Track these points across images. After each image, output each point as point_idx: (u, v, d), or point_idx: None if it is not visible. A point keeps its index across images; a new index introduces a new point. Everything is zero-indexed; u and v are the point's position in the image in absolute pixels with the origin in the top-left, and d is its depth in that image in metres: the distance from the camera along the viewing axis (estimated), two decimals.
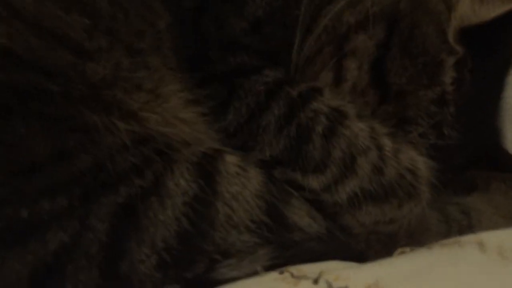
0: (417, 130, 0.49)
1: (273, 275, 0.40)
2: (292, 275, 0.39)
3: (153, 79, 0.44)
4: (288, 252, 0.43)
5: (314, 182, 0.46)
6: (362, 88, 0.49)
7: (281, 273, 0.40)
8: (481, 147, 0.57)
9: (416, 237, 0.52)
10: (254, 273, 0.41)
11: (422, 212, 0.50)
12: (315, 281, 0.38)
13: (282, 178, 0.47)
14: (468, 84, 0.50)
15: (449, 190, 0.56)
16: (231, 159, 0.45)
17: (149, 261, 0.39)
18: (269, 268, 0.41)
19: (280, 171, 0.47)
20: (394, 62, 0.49)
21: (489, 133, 0.58)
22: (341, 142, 0.47)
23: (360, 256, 0.47)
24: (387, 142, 0.47)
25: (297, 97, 0.48)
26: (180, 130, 0.44)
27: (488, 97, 0.55)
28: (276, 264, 0.41)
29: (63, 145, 0.40)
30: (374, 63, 0.49)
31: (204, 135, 0.46)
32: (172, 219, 0.40)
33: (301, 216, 0.45)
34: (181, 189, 0.41)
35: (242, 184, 0.44)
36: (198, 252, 0.40)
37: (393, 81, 0.49)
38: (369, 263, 0.41)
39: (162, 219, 0.40)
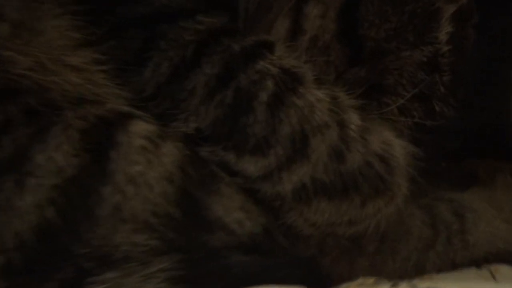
0: (397, 103, 0.37)
1: None
2: None
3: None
4: (199, 266, 0.32)
5: (251, 166, 0.35)
6: (326, 42, 0.37)
7: None
8: (485, 131, 0.45)
9: (389, 243, 0.40)
10: None
11: (398, 211, 0.39)
12: None
13: (209, 158, 0.35)
14: (470, 45, 0.37)
15: (441, 183, 0.45)
16: (138, 129, 0.34)
17: None
18: None
19: (207, 149, 0.35)
20: (371, 9, 0.36)
21: (495, 113, 0.46)
22: (291, 115, 0.35)
23: (309, 266, 0.36)
24: (353, 118, 0.35)
25: (238, 53, 0.36)
26: (66, 81, 0.33)
27: (497, 68, 0.43)
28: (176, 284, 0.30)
29: None
30: (343, 10, 0.36)
31: (106, 91, 0.34)
32: (32, 207, 0.29)
33: (229, 210, 0.34)
34: (54, 165, 0.30)
35: (147, 163, 0.33)
36: (64, 257, 0.29)
37: (368, 35, 0.36)
38: None
39: (19, 206, 0.29)
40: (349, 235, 0.38)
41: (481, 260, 0.42)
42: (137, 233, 0.31)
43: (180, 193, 0.33)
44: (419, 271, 0.40)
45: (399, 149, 0.37)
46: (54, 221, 0.29)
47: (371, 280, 0.34)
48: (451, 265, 0.41)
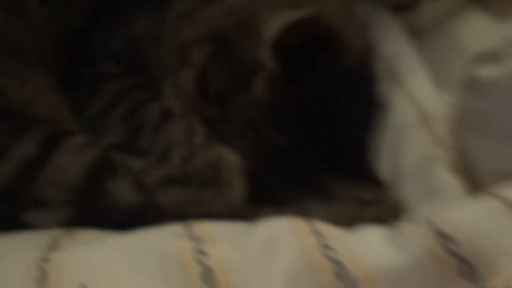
0: (232, 128, 0.58)
1: None
2: None
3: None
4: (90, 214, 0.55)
5: (137, 164, 0.58)
6: (189, 91, 0.59)
7: None
8: (340, 155, 0.62)
9: None
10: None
11: (241, 205, 0.58)
12: None
13: (117, 159, 0.59)
14: (282, 93, 0.57)
15: (293, 193, 0.62)
16: (76, 139, 0.59)
17: None
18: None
19: (116, 153, 0.59)
20: (215, 70, 0.58)
21: (349, 143, 0.64)
22: (163, 135, 0.58)
23: None
24: (198, 139, 0.57)
25: (143, 99, 0.60)
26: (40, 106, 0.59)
27: (336, 112, 0.61)
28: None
29: None
30: (200, 71, 0.59)
31: (62, 117, 0.61)
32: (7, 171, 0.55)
33: (118, 189, 0.57)
34: (23, 150, 0.56)
35: (74, 156, 0.57)
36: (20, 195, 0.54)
37: (213, 86, 0.58)
38: None
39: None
40: (200, 215, 0.58)
41: None
42: (58, 192, 0.56)
43: (88, 174, 0.57)
44: None
45: (229, 158, 0.57)
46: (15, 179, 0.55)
47: None
48: None
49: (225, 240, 0.45)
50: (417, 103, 0.69)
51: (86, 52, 0.65)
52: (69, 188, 0.56)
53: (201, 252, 0.42)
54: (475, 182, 0.61)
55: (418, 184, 0.61)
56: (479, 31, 0.87)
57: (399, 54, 0.75)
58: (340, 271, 0.40)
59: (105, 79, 0.62)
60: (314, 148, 0.61)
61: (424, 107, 0.68)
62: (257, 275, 0.41)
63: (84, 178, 0.57)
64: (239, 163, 0.57)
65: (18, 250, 0.48)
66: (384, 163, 0.65)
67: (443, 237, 0.42)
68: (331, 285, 0.39)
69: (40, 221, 0.54)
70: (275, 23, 0.56)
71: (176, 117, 0.59)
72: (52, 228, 0.54)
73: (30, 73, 0.60)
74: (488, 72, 0.62)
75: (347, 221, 0.59)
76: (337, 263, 0.41)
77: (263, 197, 0.60)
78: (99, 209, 0.56)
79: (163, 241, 0.45)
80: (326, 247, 0.42)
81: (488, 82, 0.62)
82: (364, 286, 0.39)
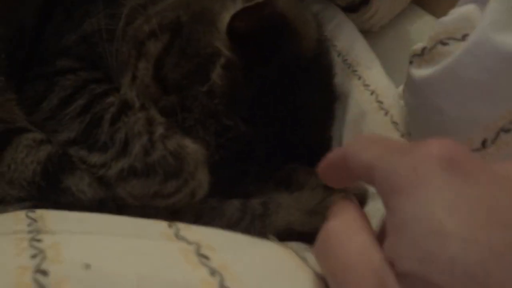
0: (192, 118, 0.57)
1: None
2: None
3: None
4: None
5: (96, 158, 0.56)
6: (147, 82, 0.58)
7: None
8: (302, 144, 0.62)
9: (205, 219, 0.58)
10: None
11: (206, 198, 0.57)
12: None
13: (75, 154, 0.57)
14: (241, 81, 0.57)
15: (259, 182, 0.62)
16: (29, 136, 0.57)
17: None
18: None
19: (73, 149, 0.57)
20: (172, 60, 0.58)
21: (311, 133, 0.64)
22: (122, 128, 0.56)
23: None
24: (158, 129, 0.56)
25: (99, 93, 0.59)
26: None
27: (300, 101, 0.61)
28: None
29: None
30: (157, 62, 0.58)
31: (14, 115, 0.58)
32: None
33: (77, 185, 0.55)
34: None
35: (28, 153, 0.55)
36: None
37: (170, 76, 0.57)
38: None
39: None
40: (165, 206, 0.57)
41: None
42: (12, 189, 0.53)
43: (44, 171, 0.55)
44: None
45: (191, 149, 0.56)
46: None
47: None
48: None
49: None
50: (374, 92, 0.70)
51: (40, 48, 0.63)
52: (25, 186, 0.53)
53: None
54: None
55: None
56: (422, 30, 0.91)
57: (355, 46, 0.77)
58: None
59: (60, 74, 0.60)
60: (276, 137, 0.61)
61: (381, 96, 0.70)
62: None
63: (41, 174, 0.54)
64: (202, 153, 0.56)
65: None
66: None
67: None
68: None
69: None
70: (230, 12, 0.56)
71: (134, 109, 0.57)
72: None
73: None
74: (418, 71, 0.63)
75: (314, 209, 0.60)
76: None
77: (227, 189, 0.59)
78: (58, 205, 0.53)
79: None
80: None
81: (418, 80, 0.63)
82: None
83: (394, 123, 0.67)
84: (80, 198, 0.55)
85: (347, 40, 0.78)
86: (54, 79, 0.60)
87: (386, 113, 0.68)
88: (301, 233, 0.58)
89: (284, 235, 0.56)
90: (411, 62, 0.64)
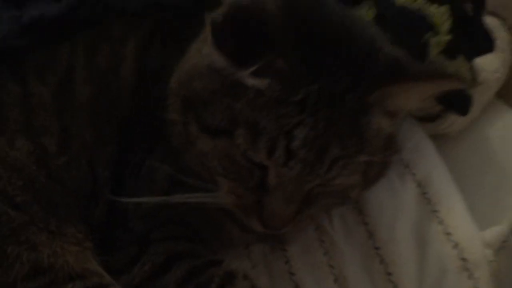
0: None
1: None
2: None
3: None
4: None
5: None
6: None
7: None
8: None
9: None
10: None
11: None
12: None
13: None
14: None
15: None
16: None
17: None
18: None
19: None
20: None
21: None
22: None
23: None
24: None
25: (199, 266, 0.57)
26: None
27: None
28: None
29: None
30: None
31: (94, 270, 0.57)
32: None
33: None
34: None
35: None
36: None
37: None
38: None
39: None
40: None
41: None
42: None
43: None
44: None
45: None
46: None
47: None
48: None
49: None
50: (458, 246, 0.64)
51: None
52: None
53: None
54: None
55: None
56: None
57: (434, 177, 0.71)
58: None
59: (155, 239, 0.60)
60: None
61: (466, 252, 0.64)
62: None
63: None
64: None
65: None
66: None
67: None
68: None
69: None
70: None
71: (239, 278, 0.58)
72: None
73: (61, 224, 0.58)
74: None
75: None
76: None
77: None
78: None
79: None
80: None
81: None
82: None
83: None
84: None
85: (426, 168, 0.71)
86: (148, 243, 0.59)
87: (470, 276, 0.62)
88: None
89: None
90: None
